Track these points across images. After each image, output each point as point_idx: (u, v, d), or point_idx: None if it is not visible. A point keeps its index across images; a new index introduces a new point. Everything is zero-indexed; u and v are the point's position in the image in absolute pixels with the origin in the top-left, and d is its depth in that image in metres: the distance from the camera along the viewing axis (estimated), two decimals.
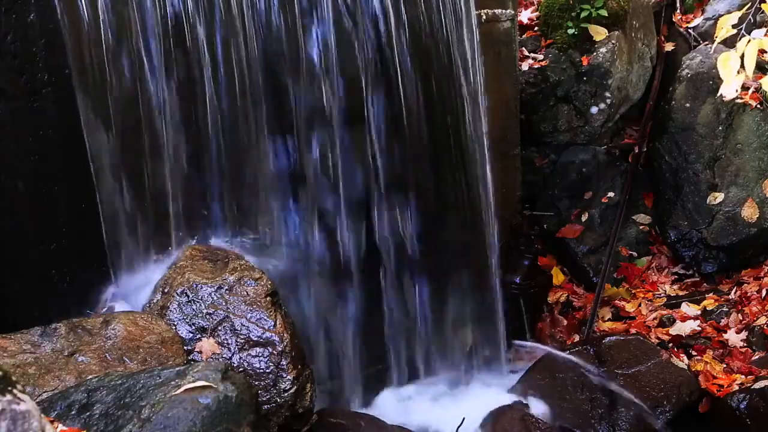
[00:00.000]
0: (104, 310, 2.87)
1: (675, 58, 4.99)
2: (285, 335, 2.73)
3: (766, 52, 4.28)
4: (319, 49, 3.22)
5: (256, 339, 2.71)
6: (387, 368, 3.73)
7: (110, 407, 2.06)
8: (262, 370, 2.67)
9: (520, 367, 4.01)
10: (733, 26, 2.81)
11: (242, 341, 2.70)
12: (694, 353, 4.11)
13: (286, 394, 2.66)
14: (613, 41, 4.68)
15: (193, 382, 2.03)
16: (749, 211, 4.49)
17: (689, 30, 5.07)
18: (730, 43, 3.14)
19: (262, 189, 3.24)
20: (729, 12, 3.50)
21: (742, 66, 2.65)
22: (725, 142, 4.62)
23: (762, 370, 3.83)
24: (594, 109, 4.73)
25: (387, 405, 3.65)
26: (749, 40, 2.64)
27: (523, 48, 4.73)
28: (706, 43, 4.88)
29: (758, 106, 4.55)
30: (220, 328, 2.73)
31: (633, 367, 3.76)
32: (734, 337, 4.12)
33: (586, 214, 4.74)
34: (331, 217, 3.40)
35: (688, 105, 4.71)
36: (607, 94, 4.70)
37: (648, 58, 4.98)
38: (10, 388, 1.34)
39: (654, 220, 4.83)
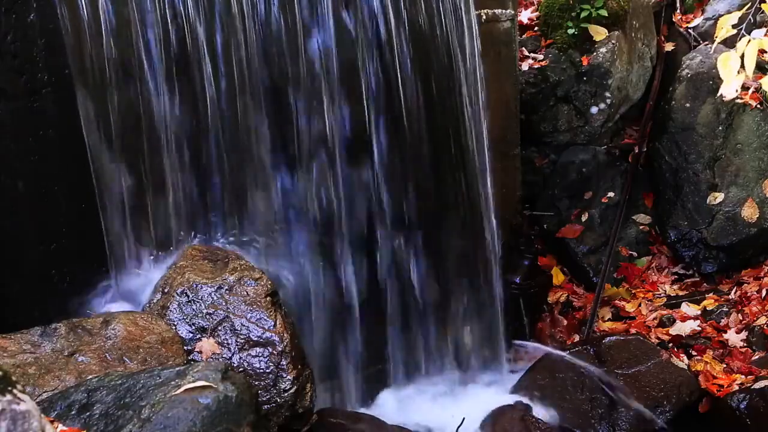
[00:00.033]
0: (104, 310, 2.87)
1: (675, 58, 4.99)
2: (285, 335, 2.73)
3: (766, 52, 4.28)
4: (319, 50, 3.22)
5: (256, 339, 2.71)
6: (387, 368, 3.73)
7: (110, 407, 2.06)
8: (262, 370, 2.67)
9: (520, 367, 4.01)
10: (733, 26, 2.80)
11: (242, 341, 2.70)
12: (694, 353, 4.10)
13: (286, 394, 2.66)
14: (613, 41, 4.68)
15: (193, 382, 2.03)
16: (749, 211, 4.49)
17: (689, 30, 5.07)
18: (730, 43, 3.14)
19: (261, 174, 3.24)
20: (729, 12, 3.50)
21: (742, 66, 2.65)
22: (725, 142, 4.62)
23: (762, 370, 3.83)
24: (594, 109, 4.73)
25: (387, 405, 3.65)
26: (749, 40, 2.64)
27: (523, 48, 4.73)
28: (706, 43, 4.88)
29: (758, 106, 4.55)
30: (220, 328, 2.73)
31: (633, 367, 3.76)
32: (734, 337, 4.12)
33: (586, 214, 4.74)
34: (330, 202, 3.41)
35: (688, 105, 4.71)
36: (607, 94, 4.70)
37: (648, 58, 4.98)
38: (10, 388, 1.34)
39: (654, 220, 4.82)
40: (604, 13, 4.62)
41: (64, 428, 1.88)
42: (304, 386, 2.71)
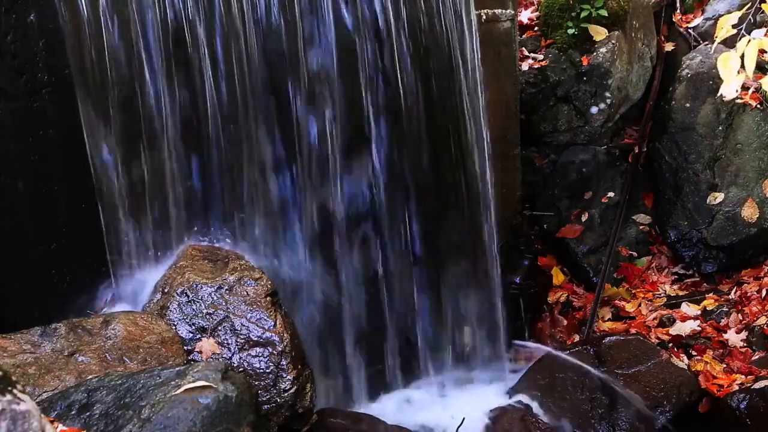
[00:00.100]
0: (104, 310, 2.87)
1: (675, 58, 4.99)
2: (285, 335, 2.73)
3: (766, 52, 4.28)
4: (319, 50, 3.22)
5: (256, 339, 2.71)
6: (387, 368, 3.73)
7: (110, 407, 2.06)
8: (262, 370, 2.67)
9: (520, 367, 4.01)
10: (733, 26, 2.80)
11: (242, 341, 2.70)
12: (694, 353, 4.10)
13: (286, 394, 2.66)
14: (613, 41, 4.68)
15: (193, 382, 2.03)
16: (749, 211, 4.49)
17: (689, 30, 5.07)
18: (730, 43, 3.14)
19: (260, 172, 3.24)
20: (729, 12, 3.50)
21: (742, 66, 2.65)
22: (725, 142, 4.62)
23: (762, 370, 3.83)
24: (594, 109, 4.73)
25: (387, 405, 3.65)
26: (749, 40, 2.64)
27: (523, 48, 4.73)
28: (706, 43, 4.88)
29: (758, 106, 4.55)
30: (220, 328, 2.73)
31: (633, 367, 3.76)
32: (734, 337, 4.12)
33: (586, 214, 4.74)
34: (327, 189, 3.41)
35: (688, 105, 4.71)
36: (607, 94, 4.70)
37: (648, 58, 4.98)
38: (10, 388, 1.34)
39: (654, 220, 4.82)
40: (604, 13, 4.62)
41: (64, 428, 1.88)
42: (304, 386, 2.71)
